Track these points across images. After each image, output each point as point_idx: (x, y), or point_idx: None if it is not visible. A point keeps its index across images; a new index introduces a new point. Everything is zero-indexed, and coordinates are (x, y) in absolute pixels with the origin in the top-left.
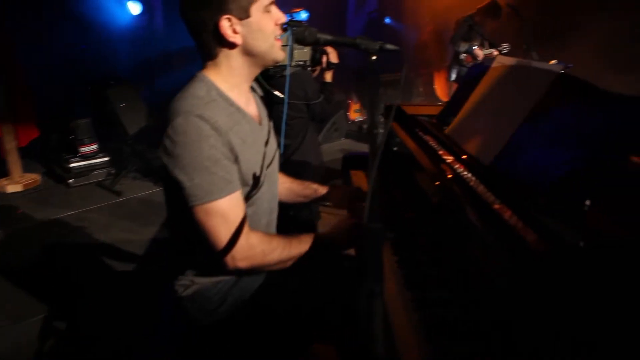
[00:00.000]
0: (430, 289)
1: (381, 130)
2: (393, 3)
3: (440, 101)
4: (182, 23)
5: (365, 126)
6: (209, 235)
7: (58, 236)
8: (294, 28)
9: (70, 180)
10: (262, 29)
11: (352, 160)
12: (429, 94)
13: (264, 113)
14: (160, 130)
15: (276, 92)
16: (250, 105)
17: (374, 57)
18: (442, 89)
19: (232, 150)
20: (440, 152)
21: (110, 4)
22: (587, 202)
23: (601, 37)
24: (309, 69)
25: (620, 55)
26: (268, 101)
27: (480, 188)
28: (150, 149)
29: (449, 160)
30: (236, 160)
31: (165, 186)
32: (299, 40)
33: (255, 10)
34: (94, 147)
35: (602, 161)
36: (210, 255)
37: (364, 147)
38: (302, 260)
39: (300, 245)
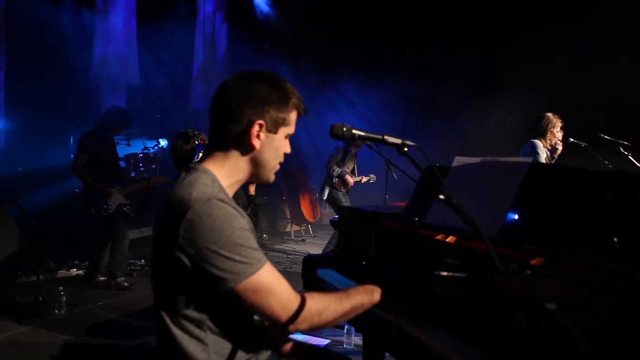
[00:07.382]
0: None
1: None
2: None
3: (306, 221)
4: (43, 140)
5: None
6: (263, 309)
7: None
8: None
9: None
10: (278, 148)
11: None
12: (296, 215)
13: None
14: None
15: None
16: None
17: (406, 149)
18: (307, 210)
19: (250, 228)
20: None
21: None
22: (615, 239)
23: None
24: None
25: None
26: None
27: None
28: (9, 282)
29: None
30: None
31: (171, 287)
32: (337, 135)
33: (282, 131)
34: None
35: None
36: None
37: None
38: None
39: (349, 299)
